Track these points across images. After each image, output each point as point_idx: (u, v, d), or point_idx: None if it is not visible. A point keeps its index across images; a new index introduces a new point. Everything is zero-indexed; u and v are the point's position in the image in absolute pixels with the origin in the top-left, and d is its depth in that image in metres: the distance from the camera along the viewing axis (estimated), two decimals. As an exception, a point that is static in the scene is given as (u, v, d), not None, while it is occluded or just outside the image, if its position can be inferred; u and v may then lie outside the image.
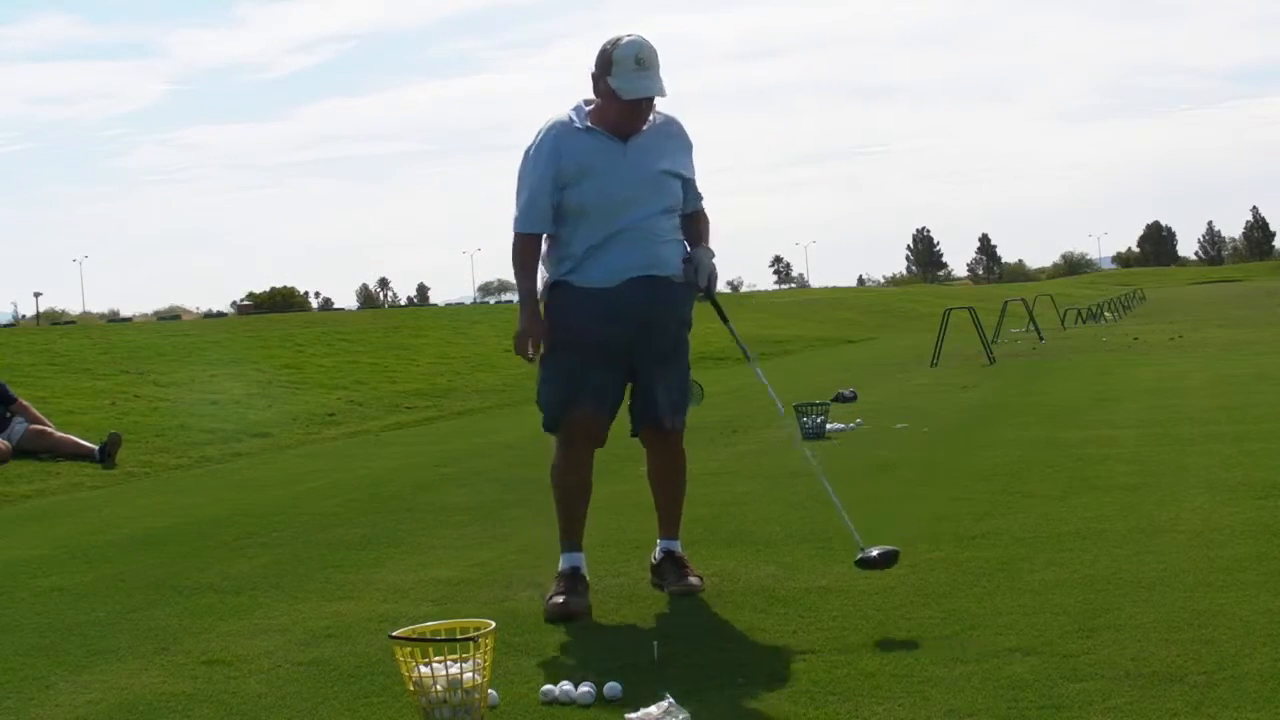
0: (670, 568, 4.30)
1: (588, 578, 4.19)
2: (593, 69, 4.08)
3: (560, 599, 4.03)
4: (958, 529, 5.02)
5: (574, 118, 4.13)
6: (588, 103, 4.16)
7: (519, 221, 4.20)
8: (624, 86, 4.00)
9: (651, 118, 4.16)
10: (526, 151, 4.18)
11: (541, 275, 4.27)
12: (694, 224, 4.29)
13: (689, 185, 4.26)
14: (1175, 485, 5.73)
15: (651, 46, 4.03)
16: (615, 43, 4.04)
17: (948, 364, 15.89)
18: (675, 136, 4.23)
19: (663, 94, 4.05)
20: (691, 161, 4.28)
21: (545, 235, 4.23)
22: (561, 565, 4.18)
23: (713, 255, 4.27)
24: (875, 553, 3.94)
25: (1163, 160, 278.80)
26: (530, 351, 4.20)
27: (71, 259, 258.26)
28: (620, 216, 4.08)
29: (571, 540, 4.21)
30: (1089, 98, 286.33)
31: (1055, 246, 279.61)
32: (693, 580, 4.25)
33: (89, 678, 3.72)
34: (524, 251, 4.21)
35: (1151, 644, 3.32)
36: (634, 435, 4.35)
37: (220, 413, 12.24)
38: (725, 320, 4.43)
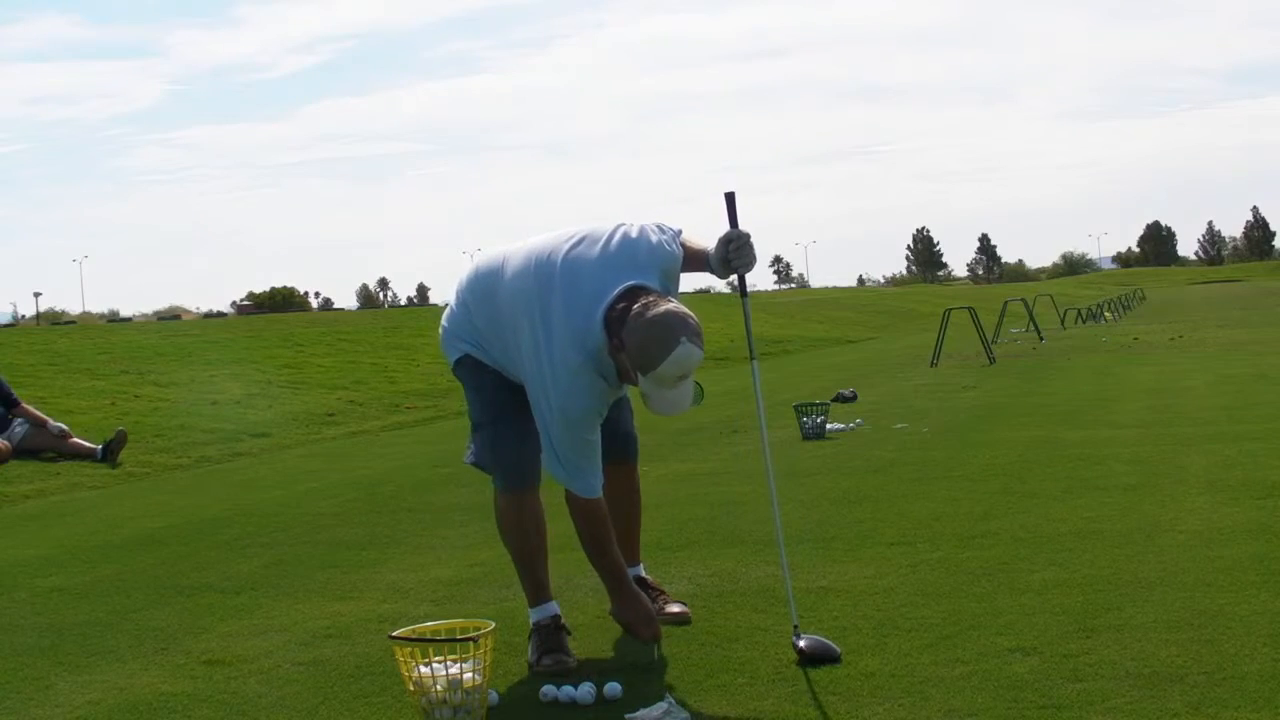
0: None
1: (568, 624, 3.71)
2: (625, 344, 3.29)
3: (550, 660, 3.52)
4: (958, 529, 5.02)
5: (606, 366, 3.43)
6: (612, 320, 3.34)
7: (583, 483, 3.53)
8: (654, 397, 3.33)
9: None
10: (569, 377, 3.40)
11: (459, 346, 3.74)
12: (694, 249, 3.65)
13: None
14: (1175, 485, 5.73)
15: (700, 352, 3.26)
16: (665, 344, 3.22)
17: (948, 364, 15.90)
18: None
19: (685, 409, 3.42)
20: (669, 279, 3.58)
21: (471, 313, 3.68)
22: (538, 617, 3.63)
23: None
24: (803, 644, 3.40)
25: (1163, 160, 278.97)
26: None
27: (71, 259, 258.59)
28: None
29: (542, 593, 3.70)
30: (1089, 98, 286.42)
31: (1055, 246, 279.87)
32: (679, 609, 3.94)
33: (89, 678, 3.72)
34: (601, 523, 3.59)
35: (1151, 644, 3.31)
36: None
37: (220, 413, 12.25)
38: (744, 295, 3.84)
